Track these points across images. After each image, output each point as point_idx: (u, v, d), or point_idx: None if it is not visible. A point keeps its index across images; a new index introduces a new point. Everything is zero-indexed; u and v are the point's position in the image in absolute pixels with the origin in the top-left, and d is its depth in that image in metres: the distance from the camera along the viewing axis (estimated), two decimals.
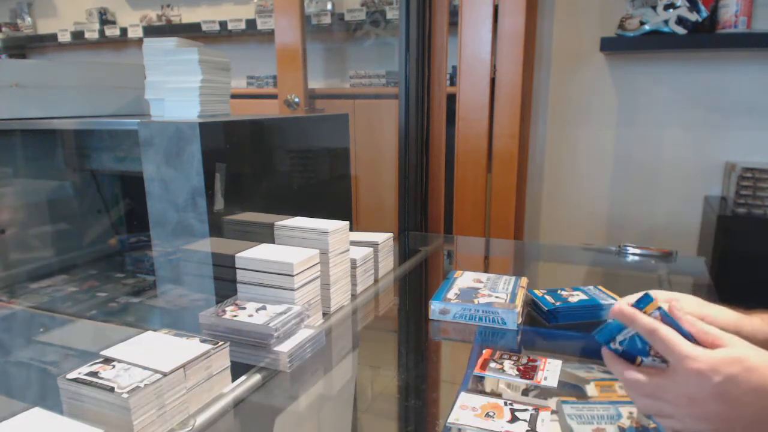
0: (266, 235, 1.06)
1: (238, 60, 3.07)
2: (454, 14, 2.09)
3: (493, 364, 0.84)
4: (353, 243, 1.16)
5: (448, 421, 0.70)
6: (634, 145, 2.20)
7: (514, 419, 0.70)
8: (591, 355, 0.93)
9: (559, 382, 0.79)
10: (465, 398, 0.75)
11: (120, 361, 0.72)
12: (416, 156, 2.03)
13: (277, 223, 1.06)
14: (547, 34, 2.24)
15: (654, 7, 1.92)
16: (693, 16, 1.86)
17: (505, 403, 0.73)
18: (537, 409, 0.72)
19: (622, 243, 1.50)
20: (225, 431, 0.73)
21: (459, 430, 0.69)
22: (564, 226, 2.37)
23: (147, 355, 0.73)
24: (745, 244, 1.79)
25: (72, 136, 1.43)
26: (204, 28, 3.19)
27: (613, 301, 1.05)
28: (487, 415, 0.71)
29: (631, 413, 0.72)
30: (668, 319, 0.57)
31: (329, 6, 2.81)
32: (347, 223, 1.07)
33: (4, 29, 3.92)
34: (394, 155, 2.12)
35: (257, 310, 0.89)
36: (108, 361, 0.72)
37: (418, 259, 1.49)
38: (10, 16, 3.95)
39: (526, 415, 0.70)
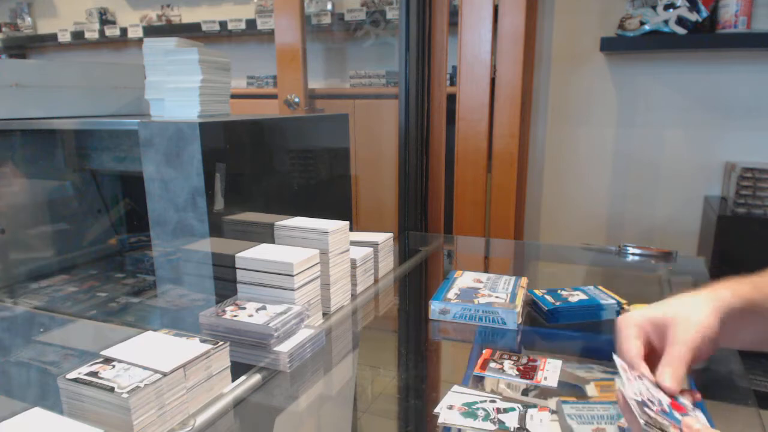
0: (266, 235, 1.06)
1: (238, 60, 3.07)
2: (454, 14, 2.09)
3: (493, 364, 0.84)
4: (353, 243, 1.16)
5: (439, 421, 0.70)
6: (634, 145, 2.20)
7: (503, 416, 0.70)
8: (591, 355, 0.93)
9: (559, 382, 0.79)
10: (453, 397, 0.75)
11: (120, 361, 0.72)
12: (416, 156, 2.03)
13: (277, 223, 1.06)
14: (547, 34, 2.24)
15: (654, 7, 1.92)
16: (693, 16, 1.86)
17: (494, 401, 0.73)
18: (525, 405, 0.72)
19: (622, 243, 1.50)
20: (225, 431, 0.73)
21: (459, 430, 0.69)
22: (564, 226, 2.37)
23: (147, 355, 0.73)
24: (745, 244, 1.79)
25: (72, 136, 1.43)
26: (204, 28, 3.19)
27: (613, 301, 1.05)
28: (476, 412, 0.71)
29: None
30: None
31: (329, 6, 2.81)
32: (347, 223, 1.07)
33: (4, 29, 3.92)
34: (394, 155, 2.12)
35: (257, 310, 0.89)
36: (108, 361, 0.72)
37: (418, 259, 1.49)
38: (10, 16, 3.95)
39: (514, 414, 0.70)
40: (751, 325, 0.62)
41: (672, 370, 0.57)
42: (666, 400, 0.56)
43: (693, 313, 0.59)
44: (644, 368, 0.59)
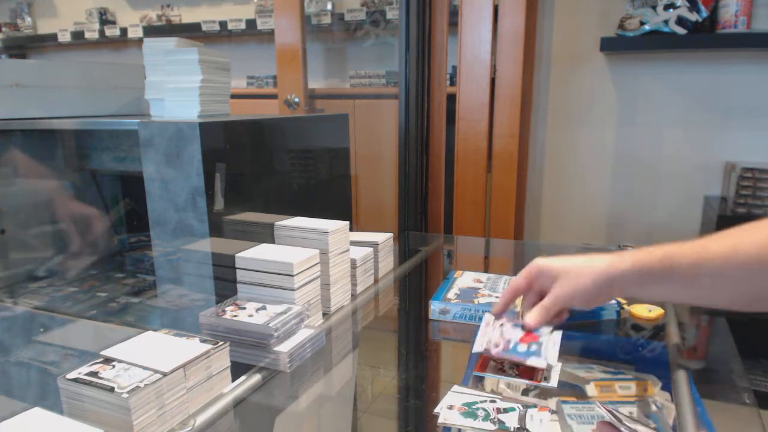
0: (266, 235, 1.06)
1: (238, 60, 3.07)
2: (454, 14, 2.09)
3: (493, 364, 0.84)
4: (353, 243, 1.16)
5: (439, 421, 0.70)
6: (634, 145, 2.20)
7: (503, 416, 0.70)
8: (591, 355, 0.93)
9: (559, 382, 0.79)
10: (453, 397, 0.75)
11: (120, 361, 0.72)
12: (416, 156, 2.03)
13: (277, 223, 1.06)
14: (547, 34, 2.24)
15: (654, 7, 1.92)
16: (693, 16, 1.86)
17: (494, 401, 0.73)
18: (525, 405, 0.72)
19: (622, 243, 1.49)
20: (225, 431, 0.73)
21: (459, 430, 0.69)
22: (564, 226, 2.37)
23: (147, 355, 0.73)
24: None
25: (72, 136, 1.43)
26: (204, 28, 3.19)
27: (613, 301, 1.05)
28: (476, 412, 0.71)
29: (630, 413, 0.71)
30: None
31: (329, 6, 2.81)
32: (347, 223, 1.07)
33: (4, 29, 3.92)
34: (394, 155, 2.12)
35: (257, 310, 0.89)
36: (108, 361, 0.72)
37: (418, 259, 1.49)
38: (10, 16, 3.95)
39: (514, 414, 0.70)
40: (655, 285, 0.70)
41: (535, 314, 0.77)
42: (515, 339, 0.77)
43: (576, 274, 0.73)
44: (505, 299, 0.81)
